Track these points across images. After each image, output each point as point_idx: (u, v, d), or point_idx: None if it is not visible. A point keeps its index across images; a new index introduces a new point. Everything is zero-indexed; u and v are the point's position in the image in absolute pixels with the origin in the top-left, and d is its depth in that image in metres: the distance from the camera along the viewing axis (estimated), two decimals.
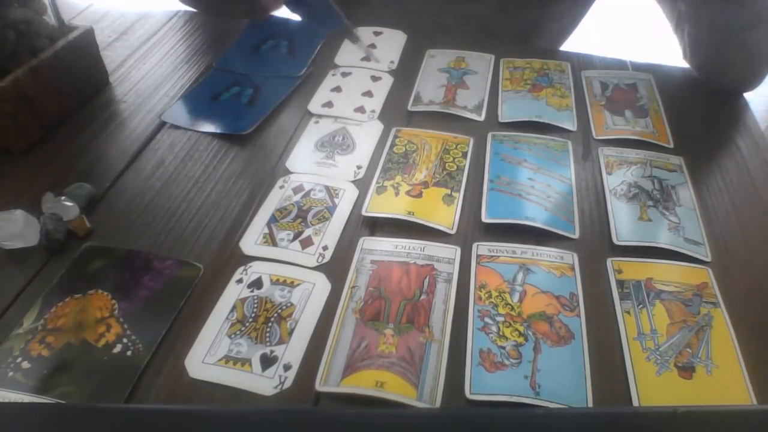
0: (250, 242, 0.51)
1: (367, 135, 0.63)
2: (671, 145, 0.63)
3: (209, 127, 0.64)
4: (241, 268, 0.49)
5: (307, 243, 0.51)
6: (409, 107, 0.67)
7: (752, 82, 0.69)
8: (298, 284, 0.48)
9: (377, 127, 0.64)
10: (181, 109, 0.67)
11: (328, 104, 0.68)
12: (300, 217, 0.53)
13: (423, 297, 0.47)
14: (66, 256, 0.50)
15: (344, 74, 0.72)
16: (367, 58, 0.73)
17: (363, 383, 0.41)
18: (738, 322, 0.45)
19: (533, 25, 0.85)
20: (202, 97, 0.69)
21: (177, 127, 0.64)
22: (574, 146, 0.62)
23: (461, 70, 0.73)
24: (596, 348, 0.44)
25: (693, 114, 0.68)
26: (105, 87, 0.70)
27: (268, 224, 0.53)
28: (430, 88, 0.70)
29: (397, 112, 0.67)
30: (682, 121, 0.66)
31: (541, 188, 0.56)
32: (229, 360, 0.43)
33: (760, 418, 0.37)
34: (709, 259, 0.50)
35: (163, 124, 0.65)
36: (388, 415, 0.38)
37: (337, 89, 0.70)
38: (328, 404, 0.41)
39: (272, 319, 0.45)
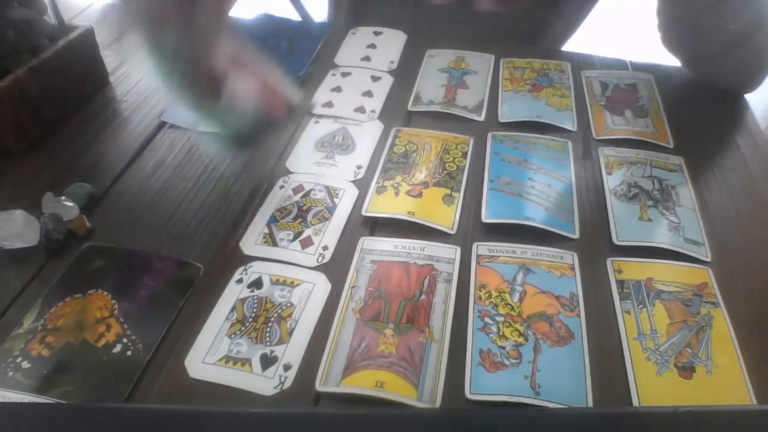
0: (250, 242, 0.51)
1: (367, 135, 0.63)
2: (671, 145, 0.63)
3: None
4: (241, 268, 0.49)
5: (307, 243, 0.51)
6: (409, 107, 0.67)
7: (753, 84, 0.69)
8: (298, 284, 0.48)
9: (377, 127, 0.64)
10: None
11: (328, 104, 0.68)
12: (300, 217, 0.53)
13: (423, 297, 0.47)
14: (66, 256, 0.50)
15: (344, 74, 0.72)
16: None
17: (363, 383, 0.41)
18: (738, 322, 0.45)
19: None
20: None
21: (177, 127, 0.64)
22: (574, 146, 0.62)
23: (461, 70, 0.73)
24: (596, 348, 0.44)
25: (693, 114, 0.68)
26: (105, 87, 0.70)
27: (268, 224, 0.53)
28: (430, 88, 0.70)
29: (397, 112, 0.67)
30: (682, 121, 0.66)
31: (541, 188, 0.56)
32: (229, 360, 0.43)
33: (760, 418, 0.37)
34: (709, 259, 0.50)
35: (163, 124, 0.65)
36: (388, 415, 0.38)
37: (337, 89, 0.70)
38: (328, 404, 0.41)
39: (272, 319, 0.45)
